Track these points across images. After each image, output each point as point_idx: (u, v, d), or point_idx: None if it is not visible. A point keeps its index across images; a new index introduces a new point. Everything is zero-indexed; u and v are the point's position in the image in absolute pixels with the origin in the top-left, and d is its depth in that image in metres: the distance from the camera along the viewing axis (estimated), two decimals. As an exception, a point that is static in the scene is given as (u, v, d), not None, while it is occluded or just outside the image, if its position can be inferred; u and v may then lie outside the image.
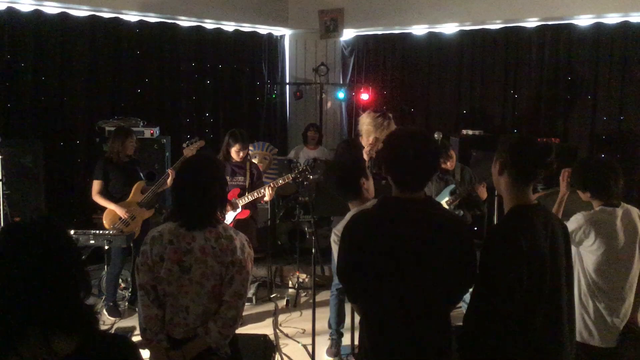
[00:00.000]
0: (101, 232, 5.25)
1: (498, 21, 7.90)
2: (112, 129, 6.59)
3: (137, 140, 5.87)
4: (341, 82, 9.00)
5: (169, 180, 5.61)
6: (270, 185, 5.27)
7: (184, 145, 5.69)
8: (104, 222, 5.58)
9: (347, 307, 4.79)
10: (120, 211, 5.55)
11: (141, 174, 5.89)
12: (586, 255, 3.29)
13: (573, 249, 3.34)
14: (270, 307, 6.06)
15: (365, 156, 4.57)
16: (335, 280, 4.74)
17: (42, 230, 1.68)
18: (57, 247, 1.67)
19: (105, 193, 5.62)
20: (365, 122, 4.61)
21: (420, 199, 2.39)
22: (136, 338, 4.08)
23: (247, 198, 5.33)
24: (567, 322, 2.45)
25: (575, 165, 3.57)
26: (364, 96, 8.49)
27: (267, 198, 5.38)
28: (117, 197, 5.65)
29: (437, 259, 2.30)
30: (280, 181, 5.24)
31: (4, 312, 1.58)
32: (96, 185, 5.62)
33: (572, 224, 3.28)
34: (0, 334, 1.56)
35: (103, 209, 5.60)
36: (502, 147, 2.49)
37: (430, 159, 2.38)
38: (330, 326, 4.91)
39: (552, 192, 5.74)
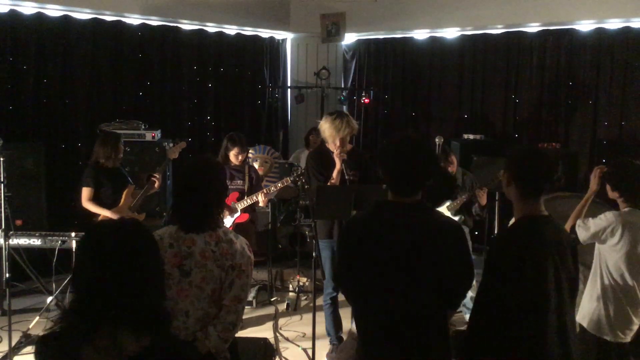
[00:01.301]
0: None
1: (499, 26, 7.91)
2: (114, 132, 6.59)
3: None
4: (342, 86, 9.01)
5: (156, 184, 5.59)
6: (263, 191, 5.28)
7: (167, 147, 5.67)
8: None
9: (343, 312, 4.80)
10: (114, 217, 5.50)
11: (129, 178, 5.79)
12: (609, 253, 3.34)
13: (595, 247, 3.39)
14: (270, 310, 6.06)
15: (337, 160, 4.56)
16: (328, 290, 4.73)
17: (131, 230, 1.72)
18: (143, 249, 1.71)
19: (95, 199, 5.51)
20: (325, 127, 4.57)
21: (413, 203, 2.39)
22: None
23: (246, 202, 5.34)
24: (570, 332, 2.44)
25: (612, 164, 3.59)
26: (365, 100, 8.49)
27: (261, 204, 5.39)
28: (108, 203, 5.54)
29: (428, 262, 2.30)
30: (279, 184, 5.24)
31: (84, 304, 1.62)
32: (87, 192, 5.48)
33: (601, 221, 3.32)
34: (78, 325, 1.60)
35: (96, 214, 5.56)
36: (511, 160, 2.50)
37: (423, 165, 2.38)
38: (328, 333, 4.91)
39: (554, 198, 5.75)
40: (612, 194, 3.48)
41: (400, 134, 2.52)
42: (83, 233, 4.61)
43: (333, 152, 4.58)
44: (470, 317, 2.43)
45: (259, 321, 5.76)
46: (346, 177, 4.53)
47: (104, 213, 5.47)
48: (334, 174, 4.56)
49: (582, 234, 3.37)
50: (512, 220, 2.58)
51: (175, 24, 7.99)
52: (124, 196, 5.58)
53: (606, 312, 3.33)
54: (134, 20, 7.65)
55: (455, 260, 2.34)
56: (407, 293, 2.31)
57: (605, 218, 3.33)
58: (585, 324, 3.41)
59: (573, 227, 3.42)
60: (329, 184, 4.56)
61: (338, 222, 4.57)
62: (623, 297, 3.32)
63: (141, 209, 5.73)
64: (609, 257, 3.34)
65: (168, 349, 1.68)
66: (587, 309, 3.43)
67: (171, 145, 5.65)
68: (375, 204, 2.46)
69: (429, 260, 2.30)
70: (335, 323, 4.83)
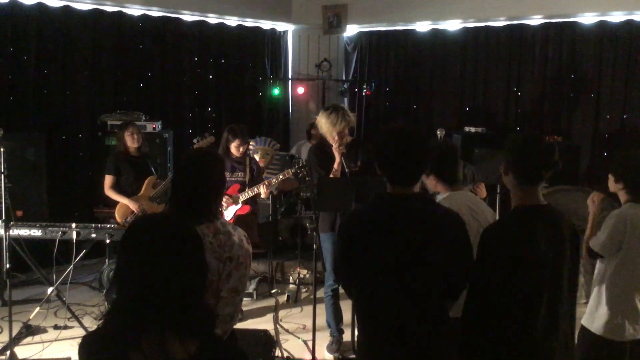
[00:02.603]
0: (102, 225, 5.27)
1: (502, 18, 7.88)
2: (115, 122, 6.62)
3: (137, 131, 5.84)
4: (344, 78, 8.99)
5: None
6: (264, 183, 5.27)
7: (195, 140, 5.71)
8: (116, 216, 5.66)
9: (344, 305, 4.81)
10: (132, 205, 5.61)
11: (153, 169, 5.95)
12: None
13: None
14: (270, 302, 6.06)
15: (336, 154, 4.57)
16: (329, 281, 4.73)
17: (177, 226, 1.63)
18: (189, 245, 1.61)
19: (117, 188, 5.70)
20: (322, 122, 4.61)
21: (415, 194, 2.39)
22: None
23: (248, 193, 5.33)
24: (566, 323, 2.44)
25: (617, 155, 3.56)
26: (367, 92, 8.48)
27: (263, 195, 5.39)
28: (128, 191, 5.71)
29: (432, 253, 2.30)
30: (280, 176, 5.24)
31: (129, 304, 1.53)
32: (108, 180, 5.71)
33: (611, 231, 3.24)
34: (124, 328, 1.52)
35: (106, 202, 5.63)
36: (508, 147, 2.48)
37: (418, 153, 2.38)
38: (329, 325, 4.92)
39: (555, 191, 5.75)
40: (615, 186, 3.44)
41: (391, 125, 2.49)
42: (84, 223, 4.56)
43: (333, 146, 4.60)
44: (463, 308, 2.43)
45: (259, 313, 5.77)
46: (346, 170, 4.56)
47: (123, 201, 5.65)
48: (335, 166, 4.59)
49: (605, 251, 3.29)
50: None
51: (176, 15, 7.97)
52: (144, 185, 5.72)
53: (617, 312, 3.27)
54: (134, 11, 7.62)
55: (458, 251, 2.34)
56: (413, 285, 2.31)
57: (612, 225, 3.26)
58: (594, 328, 3.34)
59: (591, 252, 3.34)
60: (330, 176, 4.58)
61: (340, 215, 4.58)
62: (635, 294, 3.28)
63: (161, 200, 5.80)
64: (619, 254, 3.28)
65: (216, 354, 1.59)
66: (594, 311, 3.36)
67: (198, 139, 5.67)
68: (377, 197, 2.44)
69: (435, 251, 2.30)
70: (336, 315, 4.83)
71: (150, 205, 5.71)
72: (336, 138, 4.55)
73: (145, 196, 5.72)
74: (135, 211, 5.61)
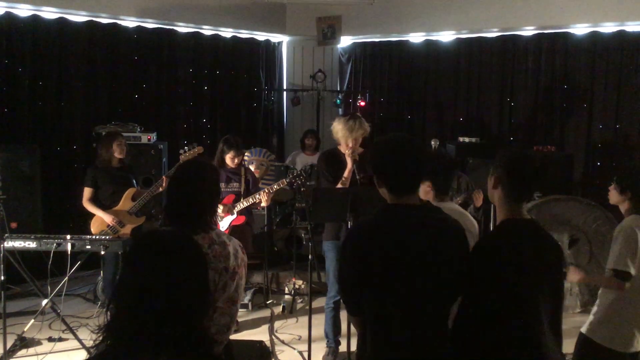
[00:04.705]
0: (97, 237, 5.23)
1: (495, 29, 7.94)
2: (110, 132, 6.59)
3: (125, 143, 5.75)
4: (338, 88, 9.03)
5: (164, 184, 5.58)
6: (265, 191, 5.27)
7: (181, 151, 5.65)
8: (92, 229, 5.57)
9: (343, 316, 4.80)
10: (107, 218, 5.52)
11: (134, 181, 5.84)
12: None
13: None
14: (266, 313, 6.05)
15: (349, 160, 4.58)
16: (331, 293, 4.71)
17: (180, 242, 1.60)
18: (191, 265, 1.57)
19: (95, 200, 5.60)
20: (338, 128, 4.62)
21: (420, 204, 2.40)
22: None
23: (243, 204, 5.33)
24: (551, 336, 2.45)
25: (623, 167, 3.56)
26: (361, 103, 8.51)
27: (263, 203, 5.38)
28: (106, 204, 5.61)
29: (440, 263, 2.30)
30: (275, 186, 5.24)
31: (126, 326, 1.48)
32: (86, 192, 5.60)
33: (626, 244, 3.23)
34: (118, 347, 1.48)
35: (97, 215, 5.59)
36: (499, 162, 2.51)
37: (416, 160, 2.39)
38: (327, 336, 4.90)
39: (549, 200, 5.78)
40: (618, 198, 3.42)
41: (388, 136, 2.50)
42: (80, 235, 4.54)
43: (344, 154, 4.60)
44: (455, 317, 2.45)
45: (254, 324, 5.75)
46: (357, 177, 4.54)
47: (98, 213, 5.55)
48: (346, 173, 4.57)
49: (630, 266, 3.23)
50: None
51: (171, 27, 8.00)
52: (122, 198, 5.61)
53: (630, 323, 3.25)
54: (129, 22, 7.65)
55: (459, 260, 2.35)
56: (419, 295, 2.31)
57: (623, 239, 3.24)
58: (598, 339, 3.30)
59: (619, 273, 3.25)
60: (340, 183, 4.57)
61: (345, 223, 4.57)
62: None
63: (141, 212, 5.73)
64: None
65: None
66: (600, 322, 3.33)
67: (186, 149, 5.60)
68: (383, 208, 2.43)
69: (439, 261, 2.30)
70: (335, 326, 4.82)
71: (129, 218, 5.62)
72: (350, 145, 4.57)
73: (123, 209, 5.61)
74: (110, 224, 5.54)
